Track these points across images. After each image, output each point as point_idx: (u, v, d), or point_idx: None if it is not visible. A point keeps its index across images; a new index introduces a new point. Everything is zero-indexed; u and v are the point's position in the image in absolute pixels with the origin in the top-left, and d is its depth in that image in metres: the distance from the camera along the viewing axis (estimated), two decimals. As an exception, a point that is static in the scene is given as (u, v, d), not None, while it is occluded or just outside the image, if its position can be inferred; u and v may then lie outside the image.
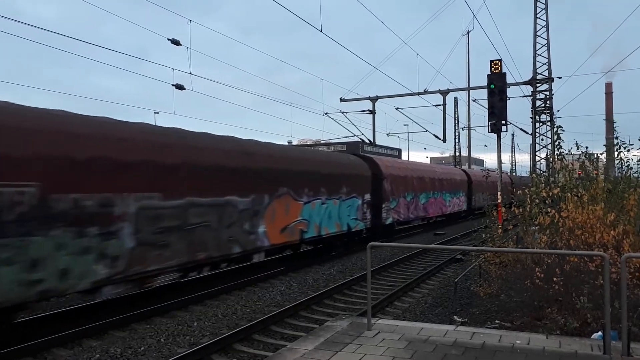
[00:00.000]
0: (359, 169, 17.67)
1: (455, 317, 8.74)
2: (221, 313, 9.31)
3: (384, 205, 18.59)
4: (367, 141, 25.19)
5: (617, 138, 9.02)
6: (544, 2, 24.02)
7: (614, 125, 9.38)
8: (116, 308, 8.89)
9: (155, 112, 36.30)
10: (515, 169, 73.15)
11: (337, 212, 15.46)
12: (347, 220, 16.18)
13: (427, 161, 74.32)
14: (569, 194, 8.16)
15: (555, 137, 9.49)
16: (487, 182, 34.81)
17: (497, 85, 15.03)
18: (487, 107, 15.49)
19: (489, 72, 15.36)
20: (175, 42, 15.50)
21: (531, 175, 11.73)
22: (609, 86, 36.84)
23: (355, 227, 16.75)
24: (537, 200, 8.72)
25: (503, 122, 15.14)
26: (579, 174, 9.71)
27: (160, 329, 8.24)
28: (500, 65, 15.42)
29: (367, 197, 17.66)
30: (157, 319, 8.85)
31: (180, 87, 16.88)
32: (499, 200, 15.21)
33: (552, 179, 8.86)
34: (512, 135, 73.90)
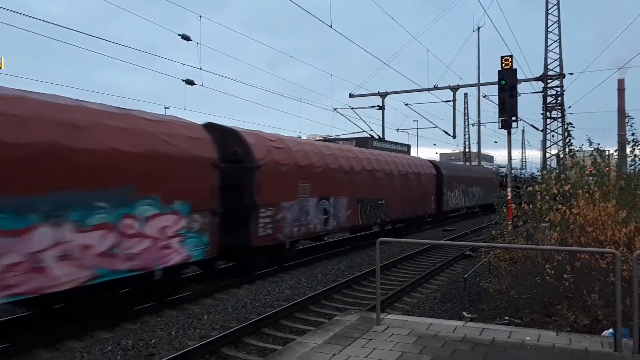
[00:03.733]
0: None
1: (464, 313, 8.75)
2: (231, 306, 9.38)
3: None
4: (377, 137, 25.16)
5: (633, 134, 8.91)
6: (556, -3, 23.82)
7: (631, 121, 9.21)
8: (128, 301, 8.98)
9: (165, 107, 36.43)
10: (526, 165, 72.70)
11: None
12: None
13: (437, 157, 59.50)
14: (580, 191, 8.11)
15: (566, 134, 9.42)
16: (340, 169, 15.21)
17: (507, 81, 14.93)
18: (497, 103, 15.43)
19: (500, 68, 15.26)
20: (186, 38, 15.58)
21: (541, 172, 11.62)
22: (621, 82, 36.30)
23: None
24: (547, 197, 8.66)
25: (513, 118, 15.06)
26: (590, 171, 9.63)
27: (171, 322, 8.33)
28: (511, 61, 15.30)
29: None
30: (168, 311, 8.96)
31: (190, 82, 16.95)
32: (509, 197, 15.13)
33: (562, 175, 8.77)
34: (523, 131, 73.35)
